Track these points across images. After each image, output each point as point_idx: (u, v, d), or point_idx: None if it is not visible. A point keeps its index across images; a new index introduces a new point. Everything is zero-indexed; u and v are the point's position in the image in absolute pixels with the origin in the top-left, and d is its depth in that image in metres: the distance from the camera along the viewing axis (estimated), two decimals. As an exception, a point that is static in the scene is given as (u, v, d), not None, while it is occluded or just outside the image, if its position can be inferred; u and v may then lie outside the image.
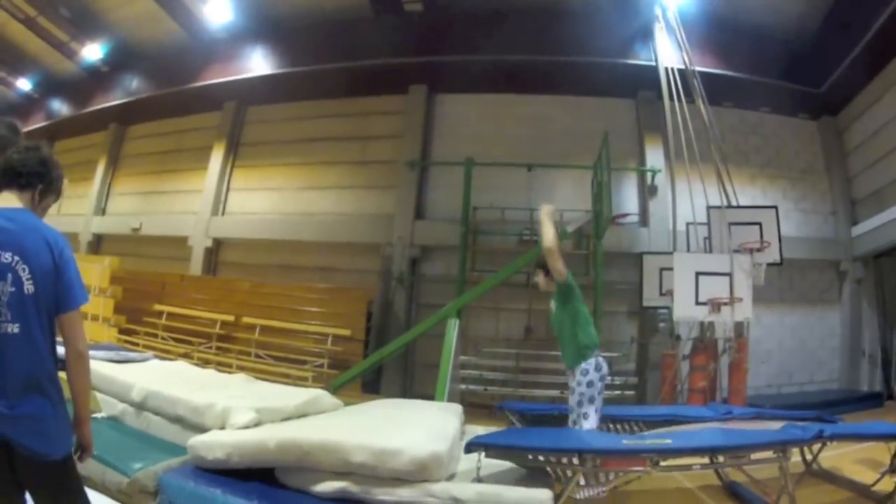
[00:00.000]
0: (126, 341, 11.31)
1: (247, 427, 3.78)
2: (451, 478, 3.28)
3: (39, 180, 2.12)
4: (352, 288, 11.58)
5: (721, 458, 3.49)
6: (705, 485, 4.88)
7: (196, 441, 3.59)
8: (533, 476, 3.37)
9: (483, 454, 3.26)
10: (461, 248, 10.19)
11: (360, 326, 11.01)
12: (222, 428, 3.82)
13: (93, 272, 12.09)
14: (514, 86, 11.03)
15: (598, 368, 4.14)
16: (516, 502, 2.95)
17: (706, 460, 3.47)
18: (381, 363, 9.58)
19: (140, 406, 4.47)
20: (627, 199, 10.67)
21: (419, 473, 3.02)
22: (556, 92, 10.97)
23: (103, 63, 16.36)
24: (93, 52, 15.77)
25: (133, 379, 4.64)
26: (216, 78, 13.65)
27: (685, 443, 3.44)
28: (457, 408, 5.08)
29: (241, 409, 3.92)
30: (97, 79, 17.04)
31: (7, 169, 2.09)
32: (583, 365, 4.15)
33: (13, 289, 1.90)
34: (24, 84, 19.56)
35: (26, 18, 14.73)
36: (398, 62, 11.48)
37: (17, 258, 1.92)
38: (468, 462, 3.40)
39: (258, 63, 13.14)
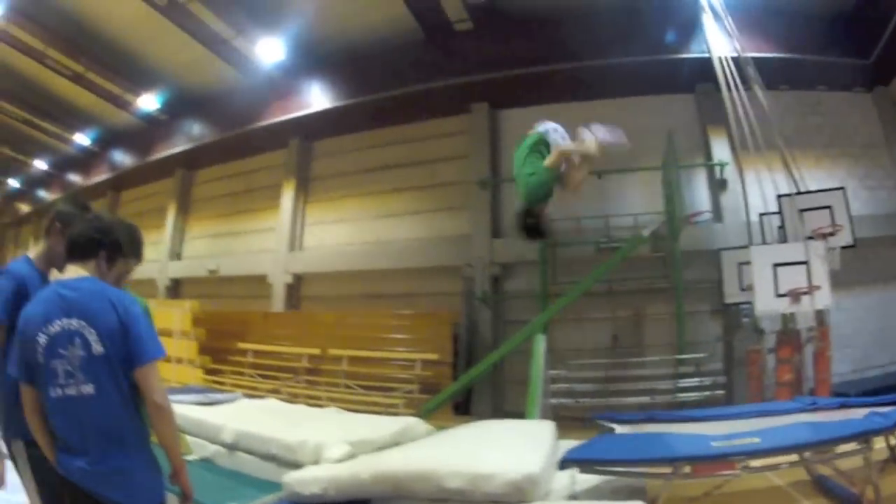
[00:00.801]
0: (213, 381, 12.91)
1: (341, 461, 4.28)
2: (546, 496, 3.61)
3: (100, 248, 2.46)
4: (436, 311, 12.95)
5: (807, 455, 3.85)
6: (795, 481, 5.17)
7: (291, 477, 4.05)
8: (627, 487, 3.78)
9: (577, 470, 3.71)
10: (540, 262, 11.54)
11: (448, 349, 12.24)
12: (316, 463, 4.34)
13: (174, 316, 14.06)
14: (574, 94, 12.15)
15: None
16: None
17: (794, 458, 3.84)
18: (470, 384, 10.74)
19: (232, 447, 5.07)
20: (699, 195, 11.55)
21: (514, 495, 3.36)
22: (615, 95, 12.00)
23: (161, 112, 18.73)
24: (148, 102, 18.09)
25: (223, 420, 5.29)
26: (277, 116, 15.62)
27: (773, 442, 3.72)
28: (549, 425, 5.48)
29: (334, 444, 4.44)
30: (157, 127, 19.54)
31: (69, 244, 2.45)
32: None
33: (83, 352, 2.21)
34: (82, 139, 22.34)
35: (74, 75, 17.15)
36: (454, 83, 12.89)
37: (83, 322, 2.23)
38: (564, 478, 3.83)
39: (317, 98, 14.93)
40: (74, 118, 20.94)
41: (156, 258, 19.43)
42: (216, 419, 5.40)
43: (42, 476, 2.47)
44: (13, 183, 31.23)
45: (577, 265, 11.29)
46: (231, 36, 14.27)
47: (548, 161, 4.70)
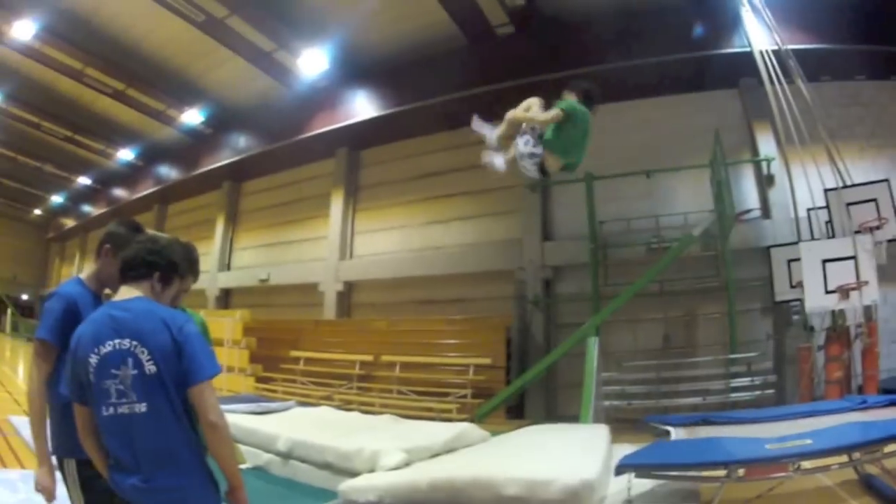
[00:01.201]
0: (264, 390, 13.84)
1: (397, 468, 4.53)
2: (602, 502, 3.87)
3: (154, 269, 2.55)
4: (488, 316, 13.70)
5: (857, 455, 3.94)
6: (843, 480, 5.30)
7: (347, 486, 4.29)
8: (681, 491, 4.08)
9: (633, 475, 3.86)
10: (591, 264, 12.22)
11: (501, 353, 12.88)
12: (372, 471, 4.59)
13: (224, 326, 15.17)
14: (619, 93, 12.57)
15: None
16: None
17: (844, 458, 3.94)
18: (523, 388, 11.32)
19: (287, 455, 5.36)
20: (747, 191, 12.01)
21: (571, 501, 3.53)
22: (660, 93, 12.64)
23: (205, 125, 20.12)
24: (192, 116, 19.47)
25: (278, 429, 5.62)
26: (323, 126, 16.66)
27: (824, 443, 3.83)
28: (603, 429, 5.84)
29: (390, 451, 4.71)
30: (202, 141, 20.97)
31: (122, 265, 2.56)
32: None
33: (135, 371, 2.29)
34: (126, 154, 23.99)
35: (115, 92, 18.58)
36: (497, 87, 13.50)
37: (135, 342, 2.32)
38: (619, 483, 4.02)
39: (363, 107, 15.90)
40: (117, 134, 22.56)
41: (205, 269, 20.54)
42: (270, 428, 5.72)
43: (92, 494, 2.62)
44: (57, 199, 33.20)
45: (628, 266, 11.93)
46: (272, 49, 15.31)
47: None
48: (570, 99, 5.19)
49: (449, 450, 5.31)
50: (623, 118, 12.84)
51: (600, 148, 12.62)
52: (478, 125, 5.63)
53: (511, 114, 5.27)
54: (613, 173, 12.15)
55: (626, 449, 4.70)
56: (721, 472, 3.77)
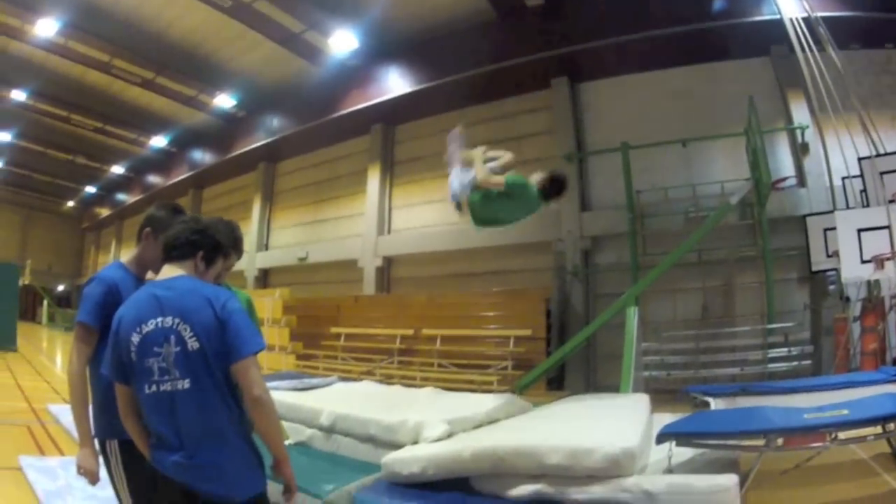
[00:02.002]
0: (305, 366, 14.41)
1: (440, 439, 4.58)
2: (643, 470, 3.85)
3: (196, 248, 2.63)
4: (528, 288, 14.23)
5: (892, 426, 4.00)
6: (877, 454, 5.40)
7: (391, 458, 4.34)
8: (721, 460, 4.04)
9: (674, 443, 3.93)
10: (630, 234, 12.62)
11: (541, 325, 13.32)
12: (415, 443, 4.64)
13: (264, 305, 15.75)
14: (651, 62, 13.12)
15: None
16: (703, 490, 3.45)
17: (879, 430, 4.00)
18: (563, 360, 11.66)
19: (330, 430, 5.40)
20: (782, 160, 12.18)
21: (612, 469, 3.61)
22: (693, 62, 12.85)
23: (238, 109, 20.89)
24: (224, 101, 20.24)
25: (321, 404, 5.66)
26: (357, 104, 17.26)
27: (860, 414, 3.89)
28: (644, 398, 5.91)
29: (433, 423, 4.77)
30: (235, 124, 21.77)
31: (165, 246, 2.62)
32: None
33: (178, 348, 2.35)
34: (158, 141, 24.94)
35: (144, 82, 19.39)
36: (531, 59, 13.94)
37: (177, 320, 2.38)
38: (659, 451, 4.06)
39: (396, 83, 16.43)
40: (149, 122, 23.44)
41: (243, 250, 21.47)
42: (313, 403, 5.79)
43: (135, 474, 2.69)
44: (90, 189, 34.68)
45: (666, 236, 12.24)
46: (301, 30, 15.82)
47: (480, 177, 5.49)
48: (530, 178, 5.53)
49: (491, 420, 5.40)
50: (657, 87, 13.28)
51: (635, 117, 13.36)
52: (453, 138, 6.01)
53: (469, 154, 5.73)
54: (649, 142, 12.44)
55: (665, 419, 4.85)
56: (760, 442, 3.85)
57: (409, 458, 4.26)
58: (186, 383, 2.36)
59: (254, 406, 2.38)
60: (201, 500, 2.36)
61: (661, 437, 3.98)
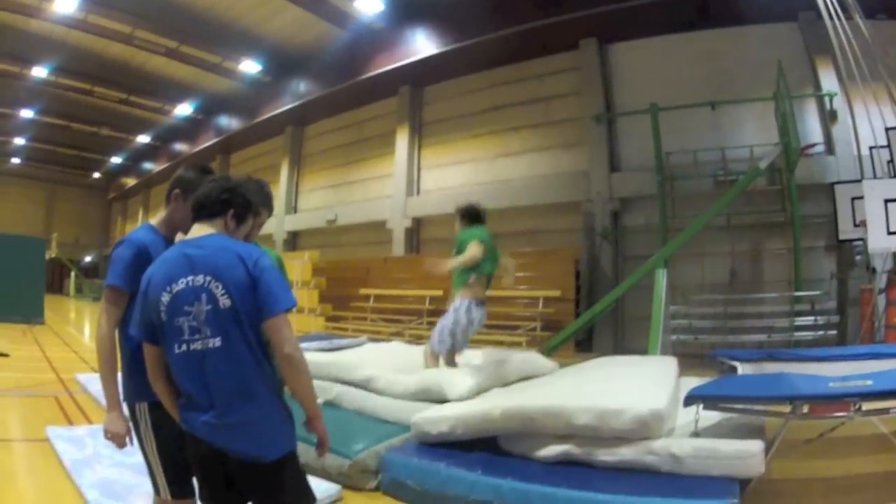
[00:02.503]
0: (335, 328, 14.88)
1: (470, 398, 4.79)
2: (670, 433, 3.95)
3: (227, 206, 2.58)
4: (557, 249, 14.53)
5: None
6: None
7: (420, 417, 4.49)
8: (747, 425, 4.11)
9: (701, 406, 4.01)
10: (659, 196, 12.87)
11: (570, 286, 13.66)
12: (445, 402, 4.81)
13: (294, 267, 16.06)
14: (680, 24, 13.20)
15: (467, 311, 5.76)
16: (730, 455, 3.56)
17: None
18: (592, 321, 11.76)
19: (361, 387, 5.57)
20: (810, 127, 12.30)
21: (641, 431, 3.73)
22: (721, 24, 12.90)
23: (264, 74, 21.15)
24: (250, 66, 20.54)
25: (351, 363, 5.84)
26: (384, 66, 17.52)
27: (884, 385, 3.85)
28: (671, 361, 6.00)
29: (462, 381, 5.01)
30: (261, 89, 22.12)
31: (195, 204, 2.59)
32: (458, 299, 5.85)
33: (209, 306, 2.32)
34: (184, 109, 25.41)
35: (168, 51, 19.74)
36: (558, 20, 14.02)
37: (209, 278, 2.34)
38: (686, 415, 4.15)
39: (424, 44, 16.65)
40: (173, 91, 23.86)
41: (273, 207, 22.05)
42: (344, 361, 5.93)
43: (164, 435, 2.68)
44: (116, 160, 35.39)
45: (695, 199, 12.46)
46: (324, -8, 16.01)
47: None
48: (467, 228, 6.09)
49: (520, 377, 5.66)
50: (686, 49, 13.40)
51: (664, 79, 13.63)
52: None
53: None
54: (678, 105, 12.61)
55: (692, 382, 4.89)
56: (786, 408, 3.91)
57: (439, 418, 4.44)
58: (217, 341, 2.33)
59: (285, 363, 2.35)
60: (232, 460, 2.36)
61: (689, 400, 4.05)
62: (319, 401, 5.18)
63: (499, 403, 4.34)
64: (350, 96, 19.22)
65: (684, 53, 13.39)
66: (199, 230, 2.55)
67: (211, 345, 2.33)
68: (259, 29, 18.45)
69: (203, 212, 2.58)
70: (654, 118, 12.79)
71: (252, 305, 2.35)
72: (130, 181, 37.32)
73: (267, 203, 3.30)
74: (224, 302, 2.33)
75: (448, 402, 4.86)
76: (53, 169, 37.92)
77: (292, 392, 2.46)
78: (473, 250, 5.68)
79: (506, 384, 5.47)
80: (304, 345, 6.41)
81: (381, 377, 5.49)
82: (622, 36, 14.32)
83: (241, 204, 2.61)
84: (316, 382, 5.32)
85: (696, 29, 13.13)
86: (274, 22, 17.92)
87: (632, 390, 4.36)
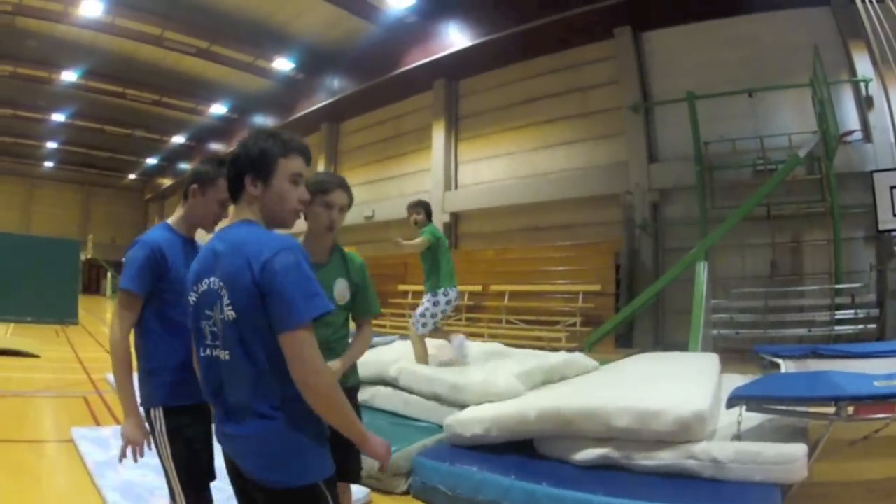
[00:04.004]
0: (373, 325, 15.12)
1: (507, 397, 4.81)
2: (711, 435, 3.93)
3: (246, 171, 2.20)
4: (597, 242, 14.92)
5: None
6: None
7: (453, 419, 4.50)
8: (790, 427, 4.13)
9: (744, 408, 3.98)
10: (698, 186, 13.15)
11: (610, 280, 14.00)
12: (481, 402, 4.80)
13: None
14: (714, 10, 13.47)
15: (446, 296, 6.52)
16: (773, 460, 3.56)
17: None
18: (632, 316, 12.21)
19: (394, 387, 5.63)
20: (847, 114, 12.37)
21: (682, 434, 3.72)
22: (754, 10, 13.09)
23: (297, 71, 21.97)
24: (283, 64, 21.32)
25: (382, 362, 5.89)
26: (418, 60, 18.11)
27: None
28: (713, 358, 6.07)
29: (500, 381, 5.03)
30: (295, 87, 23.03)
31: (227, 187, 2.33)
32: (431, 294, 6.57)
33: (221, 315, 2.13)
34: (218, 108, 26.38)
35: (199, 51, 20.58)
36: (591, 8, 14.34)
37: (221, 283, 2.12)
38: (727, 415, 4.16)
39: (457, 37, 17.16)
40: (207, 91, 24.83)
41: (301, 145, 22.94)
42: (372, 361, 5.91)
43: (179, 442, 2.65)
44: (151, 161, 36.78)
45: (734, 189, 12.78)
46: (355, -13, 16.59)
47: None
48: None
49: (559, 377, 5.70)
50: (722, 34, 13.66)
51: (700, 66, 14.09)
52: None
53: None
54: (716, 92, 12.89)
55: (734, 380, 4.98)
56: (830, 409, 3.81)
57: (472, 420, 4.48)
58: (226, 354, 2.13)
59: (303, 391, 2.02)
60: (245, 477, 2.18)
61: (732, 401, 4.05)
62: None
63: (534, 405, 4.37)
64: (384, 92, 19.88)
65: (718, 40, 13.66)
66: (233, 214, 2.30)
67: (221, 356, 2.16)
68: (290, 26, 19.16)
69: (231, 193, 2.29)
70: (692, 107, 13.10)
71: (262, 318, 2.05)
72: (166, 181, 38.78)
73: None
74: (229, 314, 2.10)
75: (484, 404, 4.85)
76: (89, 171, 39.59)
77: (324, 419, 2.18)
78: (420, 241, 6.55)
79: (545, 382, 5.59)
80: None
81: (412, 375, 5.57)
82: (655, 23, 14.63)
83: (257, 159, 2.16)
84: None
85: (728, 15, 13.37)
86: (305, 19, 18.60)
87: (673, 390, 4.36)
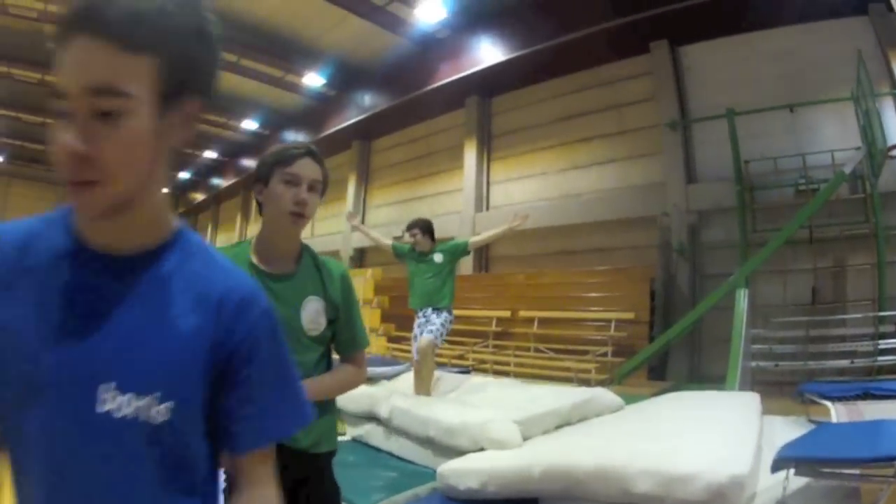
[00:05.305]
0: (396, 349, 15.37)
1: (508, 446, 4.42)
2: (750, 500, 3.46)
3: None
4: (632, 266, 14.70)
5: None
6: None
7: (447, 468, 4.16)
8: (840, 489, 3.81)
9: (792, 471, 3.57)
10: (738, 207, 12.89)
11: (644, 307, 13.72)
12: (481, 449, 4.46)
13: (356, 285, 16.21)
14: (749, 22, 13.26)
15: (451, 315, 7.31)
16: None
17: None
18: (667, 346, 11.88)
19: (386, 425, 5.39)
20: (888, 127, 11.76)
21: (716, 502, 3.20)
22: (793, 21, 12.86)
23: (328, 87, 22.34)
24: (313, 80, 21.65)
25: (377, 397, 5.71)
26: (450, 76, 18.20)
27: None
28: (754, 400, 5.56)
29: (502, 425, 4.57)
30: (326, 103, 23.40)
31: None
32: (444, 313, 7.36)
33: None
34: (249, 124, 26.86)
35: (227, 65, 20.72)
36: (626, 21, 14.25)
37: None
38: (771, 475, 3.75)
39: (489, 52, 17.20)
40: (237, 105, 25.14)
41: (338, 230, 23.77)
42: (373, 393, 5.83)
43: None
44: (184, 175, 37.73)
45: (775, 210, 12.51)
46: (385, 1, 16.71)
47: None
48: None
49: (578, 418, 5.25)
50: (756, 48, 13.51)
51: (738, 81, 13.93)
52: None
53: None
54: (755, 108, 12.70)
55: (776, 424, 4.64)
56: (888, 471, 3.45)
57: (468, 471, 4.06)
58: None
59: None
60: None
61: (779, 464, 3.62)
62: (346, 437, 5.60)
63: (540, 459, 3.91)
64: (416, 109, 20.03)
65: (755, 53, 13.49)
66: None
67: None
68: (320, 41, 19.44)
69: None
70: (731, 123, 12.90)
71: None
72: (199, 196, 39.68)
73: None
74: None
75: (483, 451, 4.49)
76: None
77: None
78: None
79: (558, 425, 5.12)
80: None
81: (405, 415, 5.23)
82: (692, 37, 14.48)
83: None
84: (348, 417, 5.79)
85: (764, 27, 13.22)
86: (335, 34, 18.84)
87: (706, 446, 3.78)
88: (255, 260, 2.45)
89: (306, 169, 2.49)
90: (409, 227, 7.35)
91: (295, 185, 2.43)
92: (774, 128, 12.93)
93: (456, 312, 16.08)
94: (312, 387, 2.23)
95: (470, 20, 16.98)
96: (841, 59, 11.67)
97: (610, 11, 14.48)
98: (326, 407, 2.45)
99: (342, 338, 2.55)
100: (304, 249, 2.56)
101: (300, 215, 2.41)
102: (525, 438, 4.60)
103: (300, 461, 2.25)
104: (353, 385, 2.62)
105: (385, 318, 16.69)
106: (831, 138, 12.42)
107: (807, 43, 12.88)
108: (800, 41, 12.96)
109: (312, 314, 2.37)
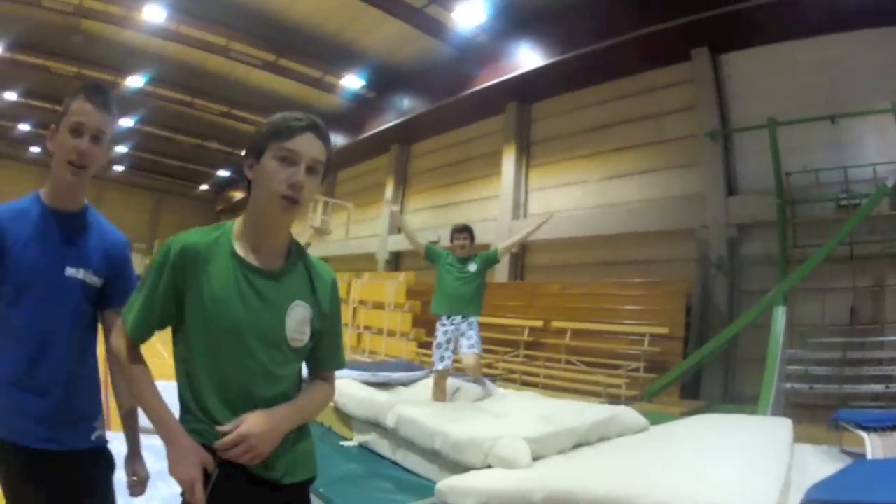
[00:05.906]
0: (425, 355, 15.01)
1: (515, 465, 4.18)
2: None
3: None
4: (668, 280, 14.59)
5: None
6: None
7: (444, 485, 4.01)
8: None
9: None
10: (780, 221, 12.64)
11: (680, 322, 13.59)
12: (488, 466, 4.26)
13: (387, 288, 16.84)
14: (792, 30, 13.11)
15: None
16: None
17: None
18: (701, 363, 11.82)
19: (393, 435, 5.21)
20: None
21: None
22: (830, 31, 12.66)
23: (367, 90, 22.63)
24: (352, 81, 22.01)
25: (390, 402, 5.57)
26: (489, 81, 18.33)
27: None
28: (786, 426, 5.26)
29: (510, 442, 4.33)
30: (365, 105, 23.68)
31: None
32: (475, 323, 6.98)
33: None
34: None
35: (266, 64, 21.43)
36: (666, 27, 14.12)
37: None
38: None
39: (529, 57, 17.26)
40: (276, 105, 24.80)
41: (375, 233, 24.16)
42: (377, 400, 5.72)
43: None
44: (223, 173, 38.86)
45: (816, 225, 12.30)
46: (423, 4, 16.88)
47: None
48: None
49: (598, 438, 5.03)
50: (797, 58, 13.31)
51: (780, 91, 13.79)
52: None
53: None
54: (799, 119, 12.45)
55: (807, 453, 4.43)
56: None
57: (467, 489, 3.86)
58: None
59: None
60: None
61: None
62: (352, 442, 5.63)
63: (543, 482, 3.63)
64: (455, 113, 20.24)
65: (796, 62, 13.32)
66: None
67: None
68: (359, 43, 19.76)
69: None
70: (773, 134, 12.70)
71: None
72: (238, 194, 40.31)
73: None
74: None
75: (487, 468, 4.26)
76: (160, 179, 41.93)
77: None
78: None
79: (575, 445, 4.85)
80: (347, 373, 6.49)
81: (415, 424, 5.01)
82: (734, 44, 14.33)
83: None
84: (356, 422, 5.73)
85: (805, 36, 13.07)
86: (374, 36, 19.16)
87: (730, 475, 3.43)
88: (237, 249, 2.21)
89: (307, 146, 2.14)
90: (459, 231, 7.29)
91: (292, 164, 2.09)
92: (815, 139, 12.69)
93: (488, 320, 16.29)
94: (296, 412, 2.12)
95: (509, 24, 17.05)
96: (882, 69, 11.56)
97: (650, 17, 14.45)
98: (303, 432, 2.23)
99: (323, 354, 2.28)
100: (294, 245, 2.28)
101: (294, 200, 2.08)
102: (537, 457, 4.32)
103: (276, 496, 2.08)
104: (324, 407, 2.43)
105: (416, 323, 16.78)
106: (873, 151, 12.20)
107: (848, 52, 12.67)
108: (841, 50, 12.75)
109: (298, 322, 2.12)
